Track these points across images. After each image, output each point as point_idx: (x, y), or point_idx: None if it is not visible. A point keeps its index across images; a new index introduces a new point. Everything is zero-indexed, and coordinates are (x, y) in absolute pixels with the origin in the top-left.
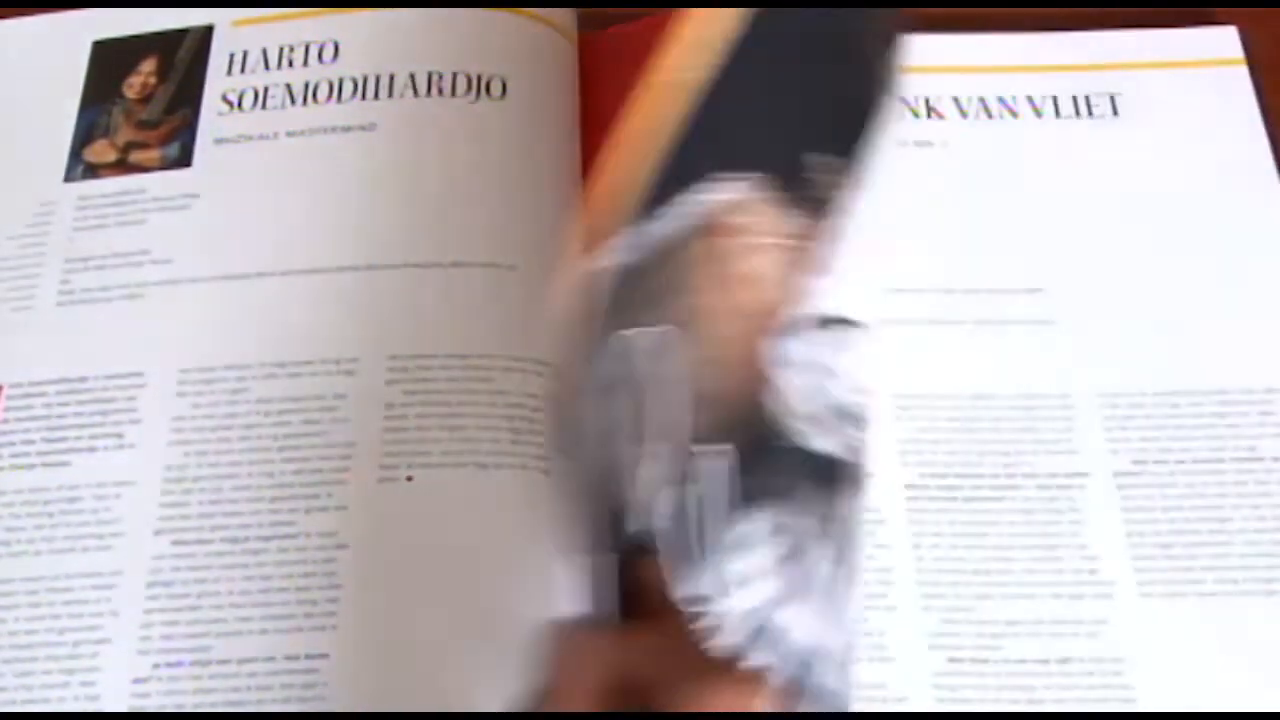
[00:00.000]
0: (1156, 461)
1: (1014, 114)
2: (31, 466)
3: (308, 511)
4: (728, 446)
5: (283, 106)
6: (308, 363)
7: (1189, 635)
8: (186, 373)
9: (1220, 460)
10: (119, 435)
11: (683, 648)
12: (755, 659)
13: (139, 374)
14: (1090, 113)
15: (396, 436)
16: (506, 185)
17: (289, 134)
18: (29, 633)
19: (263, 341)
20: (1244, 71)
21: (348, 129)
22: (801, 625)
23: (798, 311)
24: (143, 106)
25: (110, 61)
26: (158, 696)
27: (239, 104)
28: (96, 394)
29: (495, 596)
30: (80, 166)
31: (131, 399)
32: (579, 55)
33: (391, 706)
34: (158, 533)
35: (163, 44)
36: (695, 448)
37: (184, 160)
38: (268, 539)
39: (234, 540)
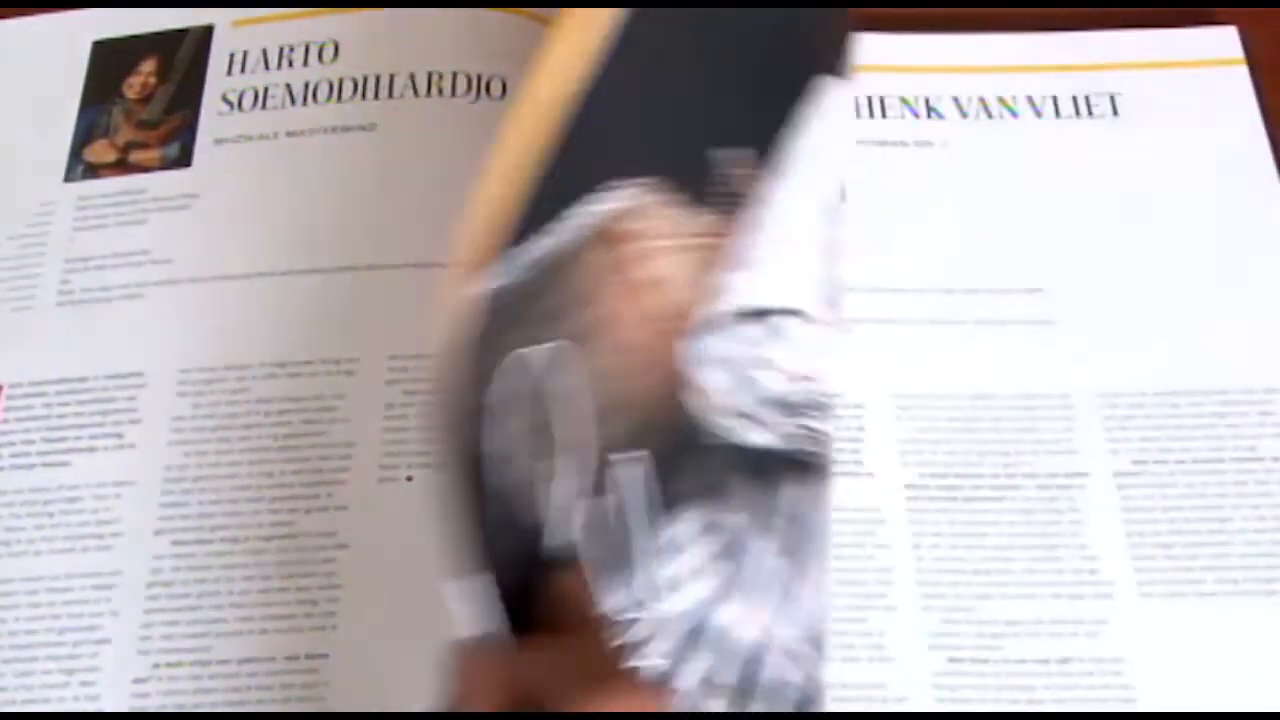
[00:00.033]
0: (1156, 461)
1: (1014, 114)
2: (31, 466)
3: (308, 511)
4: (642, 453)
5: (283, 106)
6: (308, 363)
7: (1189, 635)
8: (186, 373)
9: (1220, 460)
10: (119, 435)
11: (590, 659)
12: (692, 663)
13: (139, 374)
14: (1090, 113)
15: (396, 436)
16: None
17: (289, 134)
18: (29, 633)
19: (263, 341)
20: (1244, 71)
21: (348, 129)
22: (745, 622)
23: (714, 308)
24: (143, 106)
25: (110, 61)
26: (158, 696)
27: (239, 104)
28: (96, 394)
29: None
30: (80, 166)
31: (131, 399)
32: None
33: (391, 706)
34: (158, 533)
35: (163, 44)
36: (610, 457)
37: (184, 160)
38: (268, 539)
39: (234, 540)
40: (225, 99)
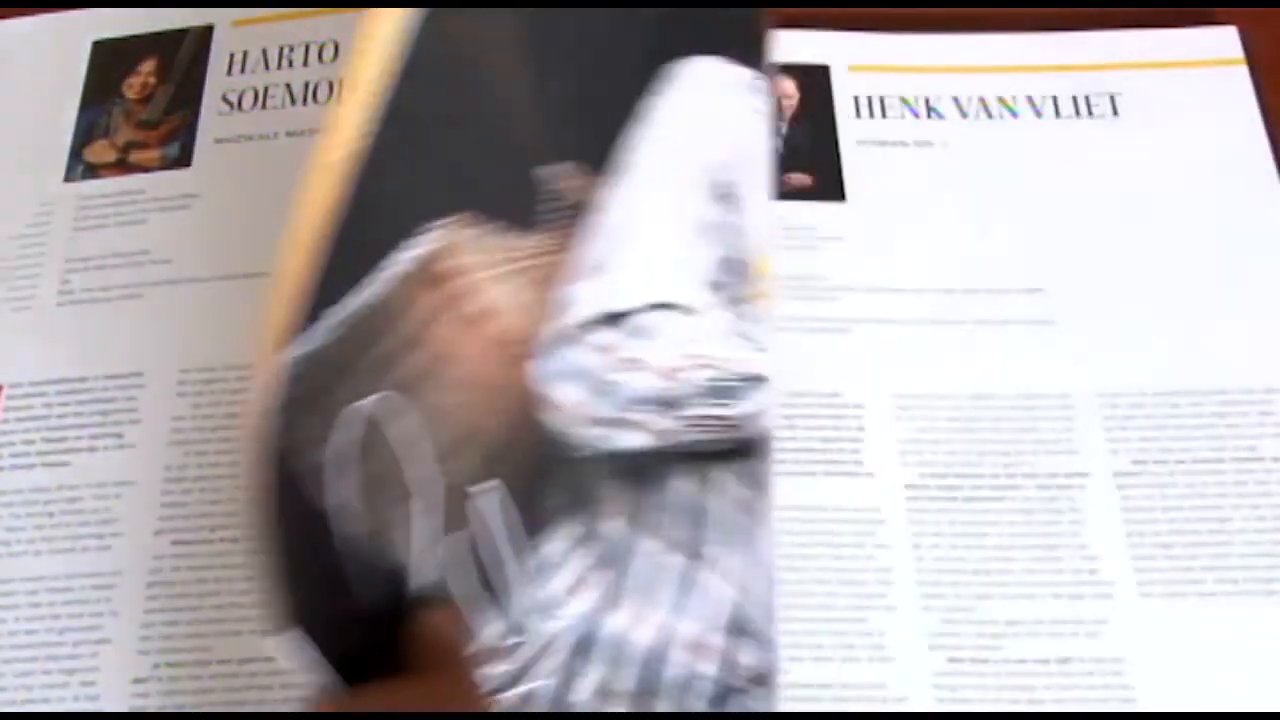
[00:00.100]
0: (1156, 461)
1: (1014, 114)
2: (31, 466)
3: None
4: (494, 482)
5: (283, 106)
6: None
7: (1189, 635)
8: (186, 373)
9: (1220, 460)
10: (119, 435)
11: (453, 697)
12: (584, 675)
13: (139, 374)
14: (1090, 113)
15: None
16: None
17: (289, 134)
18: (29, 633)
19: None
20: (1244, 71)
21: None
22: (637, 625)
23: (559, 324)
24: (143, 106)
25: (110, 61)
26: (158, 696)
27: (239, 104)
28: (96, 394)
29: None
30: (80, 166)
31: (131, 399)
32: None
33: None
34: (158, 533)
35: (163, 44)
36: (467, 490)
37: (184, 160)
38: None
39: (234, 540)
40: (225, 99)
